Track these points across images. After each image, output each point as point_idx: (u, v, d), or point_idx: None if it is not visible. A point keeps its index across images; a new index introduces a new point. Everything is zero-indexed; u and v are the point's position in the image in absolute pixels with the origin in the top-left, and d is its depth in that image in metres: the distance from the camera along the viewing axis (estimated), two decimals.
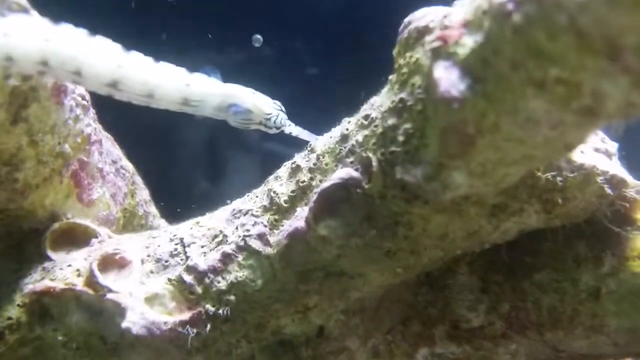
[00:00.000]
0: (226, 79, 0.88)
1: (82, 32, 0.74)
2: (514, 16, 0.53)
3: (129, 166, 1.05)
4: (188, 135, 2.45)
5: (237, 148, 2.54)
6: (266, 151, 2.54)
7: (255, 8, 2.22)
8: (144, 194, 1.10)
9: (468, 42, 0.59)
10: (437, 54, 0.61)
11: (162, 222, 1.17)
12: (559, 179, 0.76)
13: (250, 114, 0.86)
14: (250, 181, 0.91)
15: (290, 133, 0.89)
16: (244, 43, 2.20)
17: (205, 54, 2.13)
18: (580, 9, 0.49)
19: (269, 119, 0.86)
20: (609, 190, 0.79)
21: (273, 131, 0.89)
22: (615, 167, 0.82)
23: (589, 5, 0.48)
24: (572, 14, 0.49)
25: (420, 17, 0.68)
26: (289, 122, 0.89)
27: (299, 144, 0.86)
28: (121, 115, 0.96)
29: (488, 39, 0.56)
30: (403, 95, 0.69)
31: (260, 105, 0.86)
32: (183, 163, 2.50)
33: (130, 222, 1.04)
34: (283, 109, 0.89)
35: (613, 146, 0.84)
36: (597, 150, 0.83)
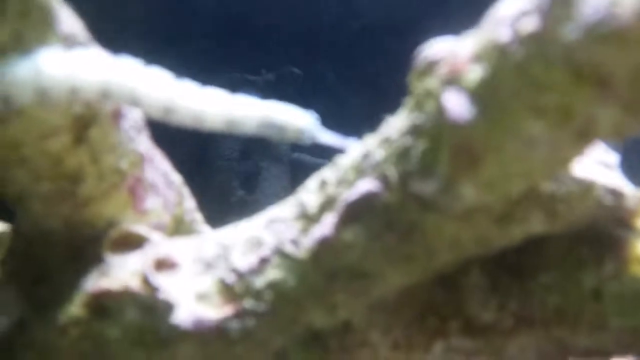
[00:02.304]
0: (259, 95, 0.92)
1: (138, 63, 0.79)
2: (516, 53, 0.56)
3: (177, 178, 1.10)
4: (224, 150, 2.52)
5: (269, 159, 2.60)
6: (295, 161, 2.59)
7: (285, 32, 2.28)
8: (190, 202, 1.15)
9: (475, 73, 0.62)
10: (447, 83, 0.65)
11: (206, 227, 1.22)
12: (560, 190, 0.78)
13: (286, 129, 0.89)
14: (281, 188, 0.95)
15: (324, 141, 0.92)
16: (273, 64, 2.26)
17: (241, 74, 2.20)
18: (575, 47, 0.52)
19: (304, 131, 0.90)
20: (608, 201, 0.81)
21: (308, 141, 0.92)
22: (615, 178, 0.84)
23: (582, 44, 0.51)
24: (568, 51, 0.52)
25: (431, 47, 0.71)
26: (321, 130, 0.92)
27: (325, 155, 0.89)
28: (164, 134, 1.00)
29: (492, 71, 0.60)
30: (417, 117, 0.73)
31: (294, 120, 0.89)
32: (221, 174, 2.57)
33: (178, 229, 1.09)
34: (317, 119, 0.92)
35: (613, 157, 0.86)
36: (597, 162, 0.85)
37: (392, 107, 0.81)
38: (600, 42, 0.50)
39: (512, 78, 0.58)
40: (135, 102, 0.77)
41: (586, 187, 0.80)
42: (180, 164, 1.16)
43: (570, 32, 0.52)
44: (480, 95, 0.62)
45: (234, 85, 0.93)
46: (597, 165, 0.84)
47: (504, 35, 0.59)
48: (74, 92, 0.75)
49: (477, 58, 0.62)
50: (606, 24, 0.50)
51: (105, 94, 0.76)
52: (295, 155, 2.74)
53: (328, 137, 0.92)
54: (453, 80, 0.65)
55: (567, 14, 0.52)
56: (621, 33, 0.50)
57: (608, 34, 0.50)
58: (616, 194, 0.82)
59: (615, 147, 0.87)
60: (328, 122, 0.97)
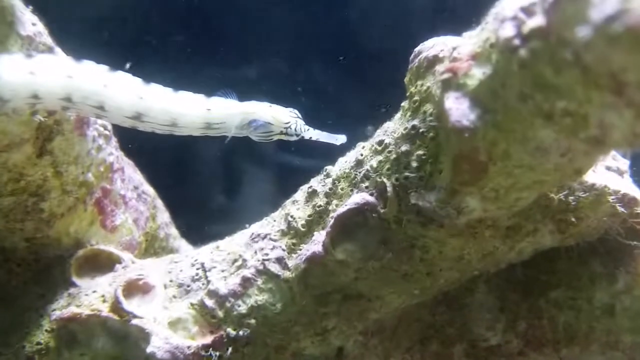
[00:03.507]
0: (240, 93, 0.90)
1: (103, 68, 0.77)
2: (520, 51, 0.55)
3: (150, 191, 1.08)
4: (204, 150, 2.48)
5: (253, 161, 2.57)
6: (281, 163, 2.56)
7: (267, 26, 2.26)
8: (164, 216, 1.13)
9: (477, 74, 0.60)
10: (448, 85, 0.63)
11: (182, 243, 1.20)
12: (571, 199, 0.77)
13: (270, 126, 0.88)
14: (266, 193, 0.93)
15: (311, 137, 0.91)
16: (255, 59, 2.24)
17: (221, 70, 2.18)
18: (585, 47, 0.50)
19: (288, 128, 0.89)
20: (620, 209, 0.80)
21: (294, 138, 0.91)
22: (627, 185, 0.83)
23: (593, 44, 0.49)
24: (577, 51, 0.51)
25: (430, 47, 0.70)
26: (307, 127, 0.91)
27: (313, 155, 0.87)
28: (138, 134, 0.98)
29: (496, 72, 0.58)
30: (415, 122, 0.71)
31: (278, 117, 0.88)
32: (200, 178, 2.53)
33: (152, 245, 1.07)
34: (300, 115, 0.91)
35: (624, 164, 0.85)
36: (608, 168, 0.84)
37: (384, 103, 0.80)
38: (611, 42, 0.48)
39: (517, 79, 0.56)
40: (101, 108, 0.75)
41: (598, 195, 0.78)
42: (155, 169, 1.14)
43: (579, 31, 0.50)
44: (484, 98, 0.60)
45: (214, 89, 0.91)
46: (608, 172, 0.83)
47: (507, 32, 0.57)
48: (35, 98, 0.73)
49: (479, 57, 0.61)
50: (617, 21, 0.48)
51: (69, 100, 0.74)
52: (281, 156, 2.71)
53: (315, 133, 0.91)
54: (454, 82, 0.63)
55: (576, 11, 0.51)
56: (633, 32, 0.48)
57: (619, 33, 0.48)
58: (629, 201, 0.81)
59: (624, 153, 0.87)
60: (314, 119, 0.95)
